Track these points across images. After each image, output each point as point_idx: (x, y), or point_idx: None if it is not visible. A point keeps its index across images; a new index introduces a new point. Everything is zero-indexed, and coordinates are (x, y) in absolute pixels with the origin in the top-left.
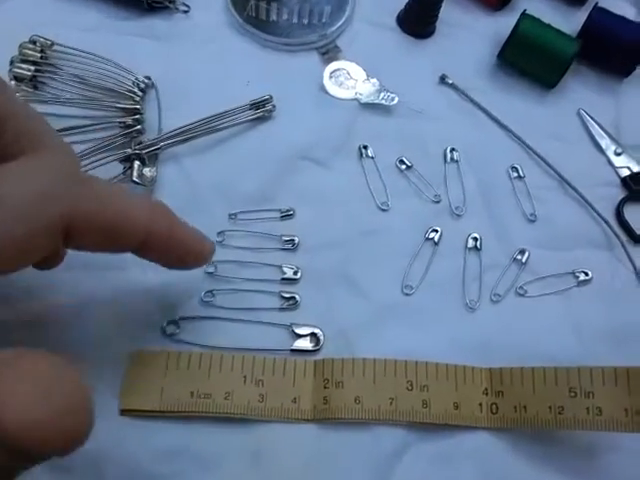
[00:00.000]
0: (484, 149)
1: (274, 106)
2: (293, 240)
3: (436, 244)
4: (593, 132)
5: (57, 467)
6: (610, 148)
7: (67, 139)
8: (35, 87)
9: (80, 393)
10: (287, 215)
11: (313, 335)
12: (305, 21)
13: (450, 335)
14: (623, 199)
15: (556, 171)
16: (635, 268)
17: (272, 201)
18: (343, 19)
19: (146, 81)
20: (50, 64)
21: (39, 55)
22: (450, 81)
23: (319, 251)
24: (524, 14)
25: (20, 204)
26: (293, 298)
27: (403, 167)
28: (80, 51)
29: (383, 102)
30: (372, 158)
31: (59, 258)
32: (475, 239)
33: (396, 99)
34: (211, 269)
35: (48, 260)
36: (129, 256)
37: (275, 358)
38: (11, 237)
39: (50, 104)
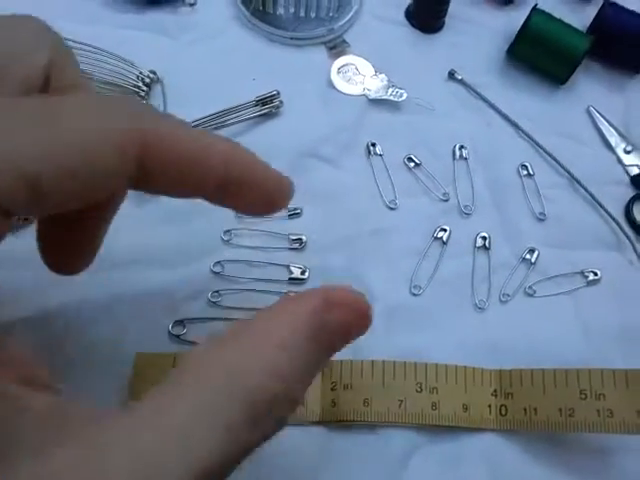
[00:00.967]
0: (493, 146)
1: (281, 102)
2: (301, 239)
3: (445, 243)
4: (603, 129)
5: None
6: (620, 146)
7: None
8: None
9: None
10: (294, 214)
11: None
12: (312, 15)
13: (459, 335)
14: (633, 198)
15: (566, 169)
16: None
17: None
18: (351, 13)
19: (151, 76)
20: None
21: None
22: (459, 77)
23: (327, 250)
24: (535, 9)
25: (90, 116)
26: None
27: (411, 165)
28: (84, 44)
29: (391, 98)
30: (380, 155)
31: (118, 202)
32: (484, 238)
33: (405, 95)
34: (218, 269)
35: (109, 206)
36: (133, 255)
37: None
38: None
39: None
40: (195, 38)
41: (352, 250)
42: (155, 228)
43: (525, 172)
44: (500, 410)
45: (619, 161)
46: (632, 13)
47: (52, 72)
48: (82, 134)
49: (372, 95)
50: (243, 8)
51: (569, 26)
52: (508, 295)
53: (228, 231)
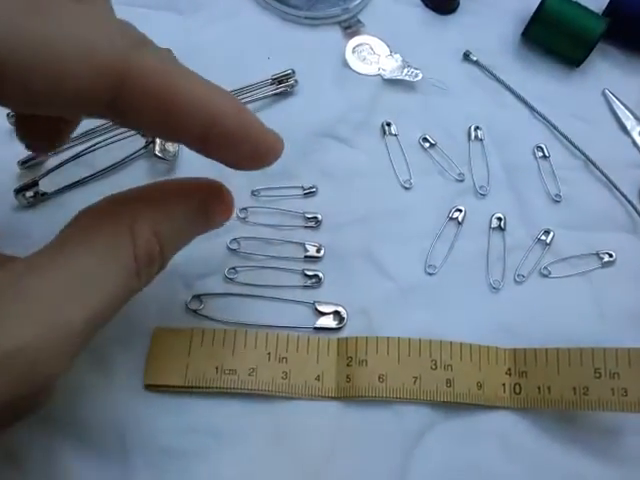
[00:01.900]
0: (508, 128)
1: (296, 81)
2: (316, 217)
3: (460, 224)
4: (618, 112)
5: (81, 439)
6: (635, 129)
7: None
8: None
9: None
10: (310, 192)
11: (336, 313)
12: None
13: (473, 315)
14: None
15: (581, 151)
16: None
17: (295, 178)
18: None
19: None
20: None
21: None
22: (474, 58)
23: (342, 229)
24: None
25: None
26: (316, 276)
27: (427, 145)
28: None
29: (407, 78)
30: (395, 135)
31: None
32: (499, 219)
33: (420, 75)
34: (234, 246)
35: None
36: None
37: (299, 335)
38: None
39: None
40: (209, 17)
41: (367, 229)
42: None
43: (540, 154)
44: (514, 388)
45: (634, 144)
46: None
47: None
48: (63, 40)
49: (387, 75)
50: None
51: (585, 8)
52: (523, 276)
53: (244, 209)
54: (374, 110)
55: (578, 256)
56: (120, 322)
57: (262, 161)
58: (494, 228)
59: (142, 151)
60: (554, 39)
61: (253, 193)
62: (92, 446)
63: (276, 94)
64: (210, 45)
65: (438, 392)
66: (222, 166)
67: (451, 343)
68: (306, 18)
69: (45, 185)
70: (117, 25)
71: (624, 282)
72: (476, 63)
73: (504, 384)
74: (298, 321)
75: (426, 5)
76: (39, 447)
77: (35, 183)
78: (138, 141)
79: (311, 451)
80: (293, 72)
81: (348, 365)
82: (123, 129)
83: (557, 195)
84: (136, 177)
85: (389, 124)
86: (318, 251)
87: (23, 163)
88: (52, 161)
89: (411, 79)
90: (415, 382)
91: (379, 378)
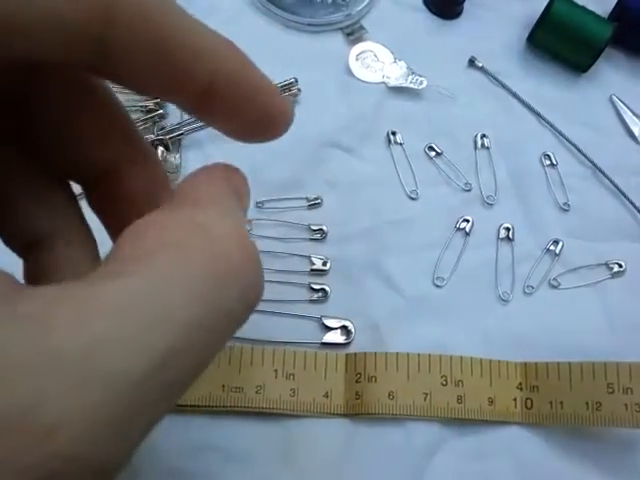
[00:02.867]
0: (515, 135)
1: (299, 90)
2: (322, 230)
3: (467, 234)
4: (626, 118)
5: None
6: None
7: None
8: None
9: None
10: (315, 203)
11: (344, 328)
12: (329, 0)
13: (483, 328)
14: None
15: (589, 159)
16: None
17: (299, 188)
18: None
19: None
20: None
21: None
22: (480, 64)
23: (348, 241)
24: None
25: None
26: (323, 290)
27: (432, 154)
28: None
29: (411, 85)
30: (401, 144)
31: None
32: (507, 229)
33: (425, 82)
34: None
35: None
36: None
37: (306, 351)
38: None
39: None
40: (211, 24)
41: (374, 240)
42: None
43: (548, 162)
44: (526, 403)
45: None
46: None
47: None
48: None
49: (392, 83)
50: None
51: (591, 13)
52: (532, 287)
53: (249, 221)
54: (379, 118)
55: (587, 266)
56: None
57: (271, 128)
58: (502, 238)
59: None
60: (560, 44)
61: (257, 205)
62: None
63: None
64: None
65: (449, 409)
66: None
67: (461, 358)
68: (308, 25)
69: None
70: None
71: (634, 292)
72: (482, 69)
73: (515, 399)
74: (305, 336)
75: (430, 10)
76: None
77: None
78: None
79: (320, 469)
80: (296, 81)
81: (357, 382)
82: None
83: (565, 204)
84: None
85: (394, 133)
86: (324, 264)
87: None
88: None
89: (416, 87)
90: (425, 399)
91: (389, 395)
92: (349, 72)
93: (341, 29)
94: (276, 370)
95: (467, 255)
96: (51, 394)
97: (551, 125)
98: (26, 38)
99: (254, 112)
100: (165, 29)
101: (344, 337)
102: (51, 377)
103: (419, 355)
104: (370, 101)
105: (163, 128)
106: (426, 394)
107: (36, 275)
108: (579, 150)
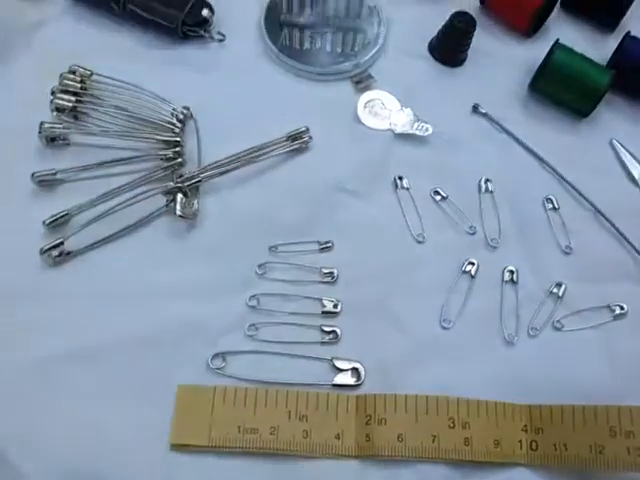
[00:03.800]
0: (518, 179)
1: (310, 137)
2: (332, 273)
3: (473, 277)
4: (626, 162)
5: None
6: None
7: (109, 171)
8: (76, 117)
9: None
10: (326, 247)
11: (354, 370)
12: (338, 49)
13: (489, 370)
14: None
15: (590, 202)
16: None
17: (311, 232)
18: (376, 48)
19: (184, 112)
20: (90, 94)
21: (79, 85)
22: (483, 110)
23: (358, 284)
24: (557, 44)
25: None
26: (334, 332)
27: (438, 198)
28: (119, 81)
29: (417, 132)
30: (407, 189)
31: None
32: (511, 272)
33: (430, 129)
34: (254, 303)
35: None
36: (173, 289)
37: (318, 393)
38: None
39: (91, 135)
40: (225, 73)
41: (382, 283)
42: (193, 262)
43: (550, 205)
44: (531, 445)
45: None
46: None
47: None
48: None
49: (398, 130)
50: (271, 44)
51: (591, 61)
52: (536, 329)
53: (262, 265)
54: (386, 164)
55: (590, 309)
56: (143, 381)
57: None
58: (506, 281)
59: (163, 209)
60: (561, 91)
61: (271, 249)
62: None
63: (292, 150)
64: (226, 101)
65: (456, 451)
66: (241, 223)
67: (468, 401)
68: (318, 74)
69: (70, 244)
70: None
71: (636, 334)
72: (485, 115)
73: (521, 441)
74: (317, 378)
75: (435, 58)
76: None
77: (61, 243)
78: (159, 199)
79: None
80: (307, 129)
81: (367, 424)
82: (144, 188)
83: (567, 247)
84: (158, 234)
85: (401, 178)
86: (335, 307)
87: (49, 224)
88: (77, 219)
89: (422, 133)
90: (434, 441)
91: (398, 437)
92: (357, 119)
93: (350, 78)
94: (290, 411)
95: (473, 297)
96: None
97: (553, 169)
98: None
99: None
100: None
101: (355, 379)
102: None
103: (427, 397)
104: (378, 148)
105: (182, 175)
106: (434, 436)
107: None
108: (580, 194)
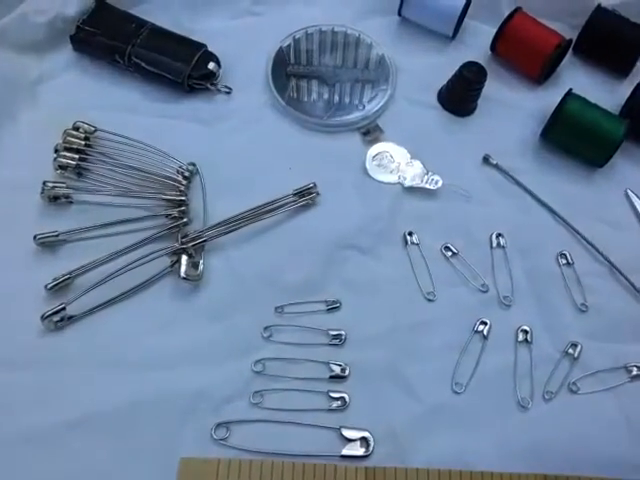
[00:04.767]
0: (531, 233)
1: (318, 193)
2: (340, 335)
3: (485, 337)
4: None
5: None
6: None
7: (113, 229)
8: (79, 174)
9: None
10: (333, 307)
11: (363, 439)
12: (346, 100)
13: (503, 437)
14: None
15: (605, 257)
16: None
17: (318, 291)
18: (385, 98)
19: (190, 168)
20: (94, 151)
21: (83, 142)
22: (494, 161)
23: (366, 345)
24: (570, 94)
25: None
26: (342, 398)
27: (449, 254)
28: (123, 137)
29: (427, 186)
30: (417, 245)
31: None
32: (525, 332)
33: (440, 182)
34: (259, 368)
35: None
36: (174, 352)
37: (325, 466)
38: None
39: (94, 194)
40: (231, 126)
41: (392, 345)
42: (197, 325)
43: (564, 260)
44: None
45: None
46: None
47: None
48: None
49: (407, 183)
50: (278, 95)
51: (605, 111)
52: (552, 392)
53: (268, 327)
54: (395, 219)
55: (606, 370)
56: (145, 453)
57: None
58: (520, 341)
59: (167, 270)
60: (574, 142)
61: (277, 310)
62: None
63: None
64: (233, 154)
65: None
66: (246, 283)
67: (482, 473)
68: (326, 126)
69: (71, 307)
70: None
71: None
72: (496, 166)
73: None
74: (324, 448)
75: (444, 108)
76: None
77: (63, 308)
78: (163, 260)
79: None
80: (314, 185)
81: None
82: (148, 248)
83: (583, 304)
84: (161, 296)
85: (411, 233)
86: (343, 371)
87: (50, 288)
88: (78, 282)
89: (431, 186)
90: None
91: None
92: (365, 172)
93: (357, 129)
94: None
95: (485, 359)
96: None
97: (566, 222)
98: None
99: None
100: None
101: (364, 449)
102: None
103: (439, 471)
104: (386, 201)
105: (186, 235)
106: None
107: None
108: (595, 248)
